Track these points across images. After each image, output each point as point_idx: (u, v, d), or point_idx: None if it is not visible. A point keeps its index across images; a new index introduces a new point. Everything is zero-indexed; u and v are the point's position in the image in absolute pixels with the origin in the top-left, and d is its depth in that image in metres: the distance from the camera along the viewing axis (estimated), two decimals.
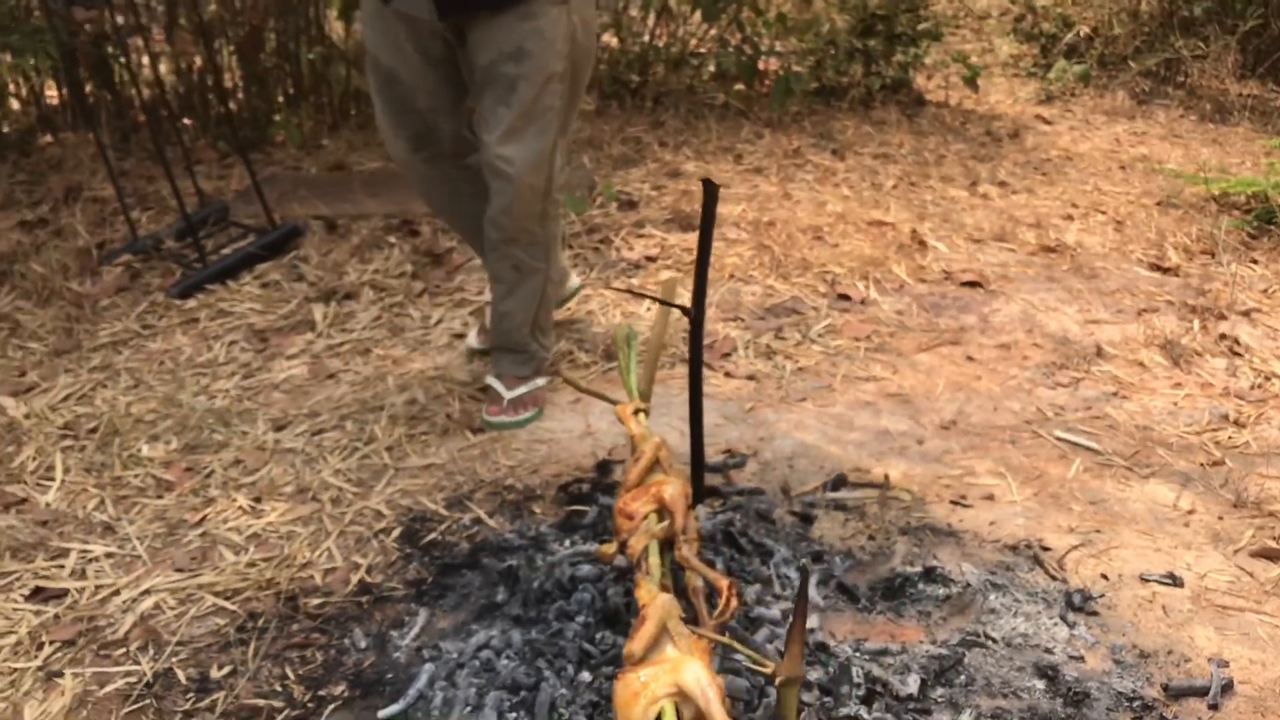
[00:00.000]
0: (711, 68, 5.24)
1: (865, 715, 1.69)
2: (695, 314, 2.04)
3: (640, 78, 5.03)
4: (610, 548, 1.80)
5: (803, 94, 5.00)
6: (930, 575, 2.09)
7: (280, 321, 3.15)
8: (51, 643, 1.96)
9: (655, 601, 1.56)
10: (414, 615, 1.95)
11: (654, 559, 1.72)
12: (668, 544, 1.81)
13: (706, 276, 2.03)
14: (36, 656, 1.92)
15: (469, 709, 1.70)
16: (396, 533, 2.22)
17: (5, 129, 4.55)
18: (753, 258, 3.46)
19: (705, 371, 2.84)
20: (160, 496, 2.39)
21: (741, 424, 2.62)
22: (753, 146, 4.60)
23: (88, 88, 4.45)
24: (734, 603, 1.67)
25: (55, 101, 4.69)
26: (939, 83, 5.65)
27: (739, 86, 5.10)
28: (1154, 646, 1.94)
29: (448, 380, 2.79)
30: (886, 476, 2.41)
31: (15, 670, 1.90)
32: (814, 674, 1.77)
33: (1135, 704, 1.80)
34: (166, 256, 3.49)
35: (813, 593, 2.02)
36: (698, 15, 4.99)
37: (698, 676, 1.45)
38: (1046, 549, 2.20)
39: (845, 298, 3.25)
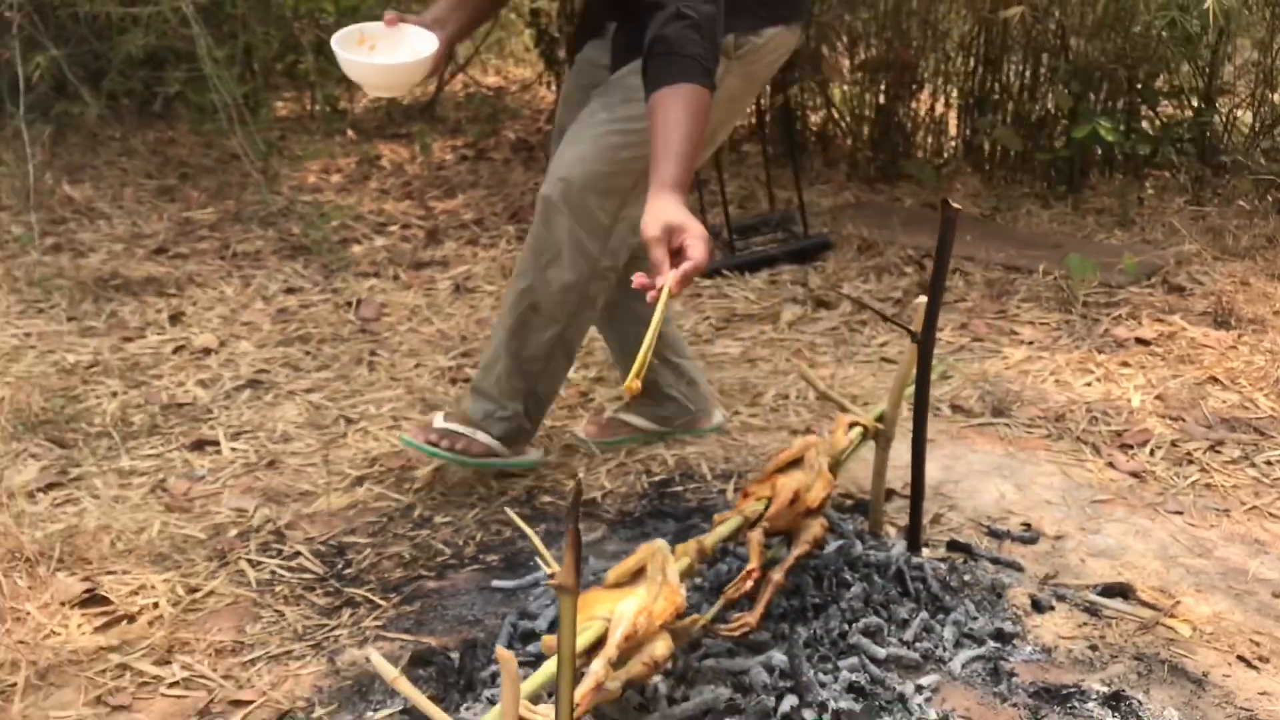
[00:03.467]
0: None
1: None
2: (923, 341, 1.98)
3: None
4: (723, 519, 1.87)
5: None
6: (1116, 701, 1.80)
7: (756, 310, 3.46)
8: (373, 468, 2.51)
9: (651, 546, 1.63)
10: (593, 532, 2.18)
11: (723, 529, 1.77)
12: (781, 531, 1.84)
13: (939, 304, 1.96)
14: (342, 476, 2.49)
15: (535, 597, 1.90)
16: (659, 477, 2.44)
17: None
18: (1263, 367, 2.99)
19: (1089, 454, 2.60)
20: None
21: (1077, 510, 2.38)
22: None
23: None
24: (746, 585, 1.68)
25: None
26: None
27: None
28: None
29: (835, 391, 2.89)
30: (1176, 603, 2.07)
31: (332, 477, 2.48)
32: (850, 702, 1.68)
33: None
34: (715, 243, 3.96)
35: (957, 663, 1.86)
36: None
37: (624, 609, 1.52)
38: None
39: None
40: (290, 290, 3.71)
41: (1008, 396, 2.81)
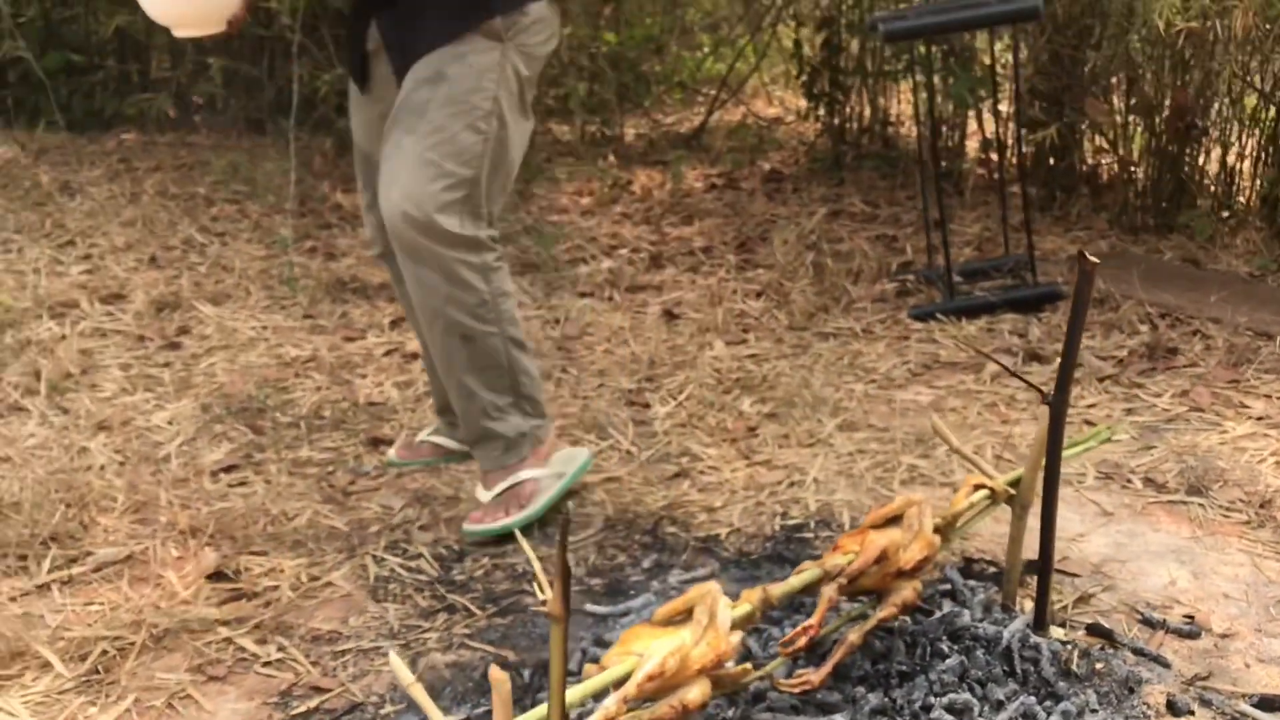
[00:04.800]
0: None
1: None
2: (1055, 402, 1.83)
3: None
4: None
5: None
6: None
7: (961, 358, 3.30)
8: None
9: (703, 587, 1.59)
10: (703, 568, 2.14)
11: (795, 580, 1.69)
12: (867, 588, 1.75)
13: (1073, 364, 1.81)
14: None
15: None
16: (794, 521, 2.36)
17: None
18: None
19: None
20: (709, 435, 2.83)
21: (1259, 609, 2.12)
22: None
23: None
24: (801, 641, 1.60)
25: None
26: None
27: None
28: None
29: (947, 444, 2.72)
30: None
31: None
32: None
33: None
34: (938, 285, 3.81)
35: None
36: None
37: (656, 648, 1.49)
38: None
39: None
40: None
41: (1210, 474, 2.54)
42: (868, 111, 5.66)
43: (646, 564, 2.17)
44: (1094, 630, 2.02)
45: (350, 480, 2.56)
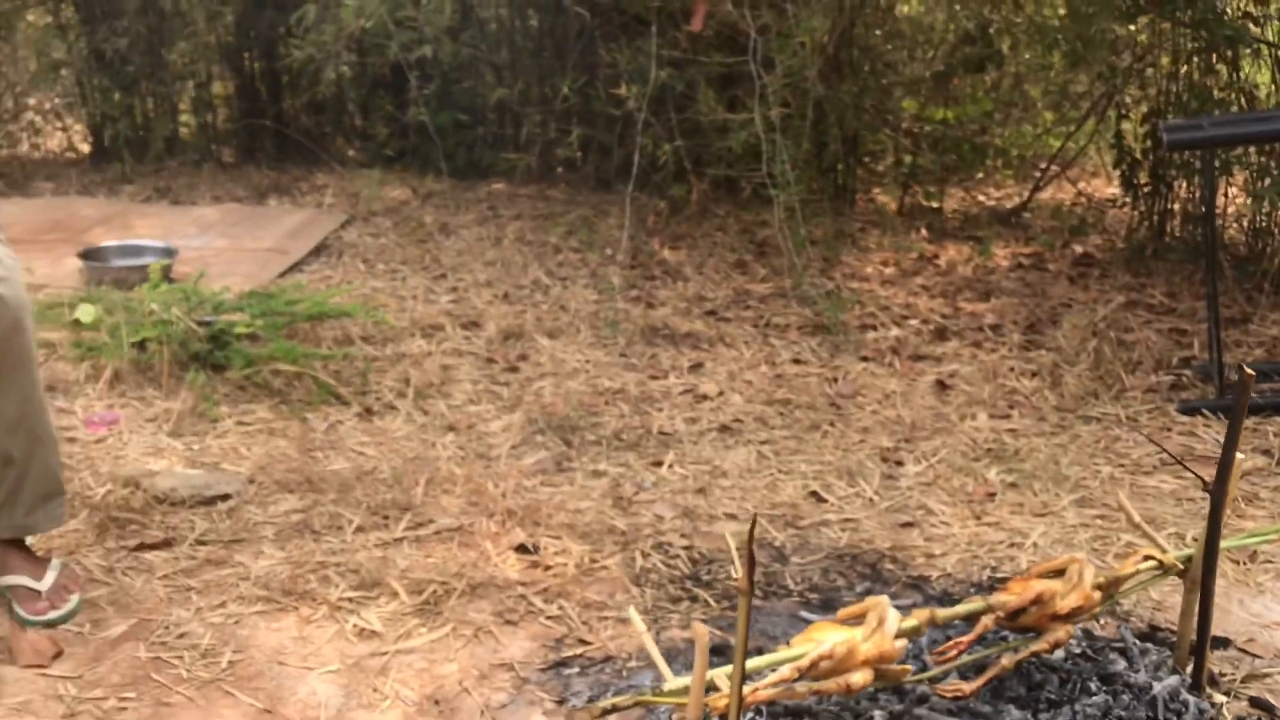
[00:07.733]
0: None
1: None
2: (1214, 492, 2.10)
3: None
4: None
5: None
6: None
7: (1214, 451, 3.46)
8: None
9: (877, 599, 2.00)
10: (905, 599, 2.52)
11: (961, 608, 2.07)
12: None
13: (1233, 460, 2.08)
14: (745, 511, 3.02)
15: None
16: (1003, 574, 2.69)
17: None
18: None
19: None
20: (949, 495, 3.18)
21: None
22: None
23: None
24: (950, 654, 1.97)
25: None
26: None
27: None
28: None
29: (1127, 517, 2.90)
30: None
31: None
32: None
33: None
34: (1214, 382, 3.95)
35: None
36: None
37: (829, 638, 1.92)
38: None
39: None
40: (797, 361, 4.32)
41: None
42: (1188, 203, 5.70)
43: (860, 589, 2.58)
44: (1256, 702, 2.24)
45: (634, 491, 3.10)
